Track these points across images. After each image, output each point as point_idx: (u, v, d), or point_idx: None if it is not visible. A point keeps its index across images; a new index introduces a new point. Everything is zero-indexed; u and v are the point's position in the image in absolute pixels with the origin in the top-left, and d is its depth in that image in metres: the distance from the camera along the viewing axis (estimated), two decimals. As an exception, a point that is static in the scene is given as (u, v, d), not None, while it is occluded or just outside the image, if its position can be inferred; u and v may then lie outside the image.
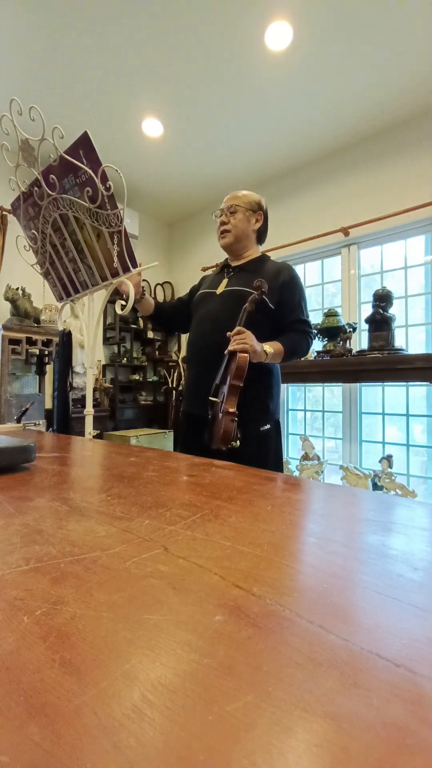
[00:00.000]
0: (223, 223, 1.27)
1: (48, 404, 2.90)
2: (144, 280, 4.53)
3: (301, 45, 2.11)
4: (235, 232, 1.26)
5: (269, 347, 1.12)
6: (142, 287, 1.36)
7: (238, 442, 1.04)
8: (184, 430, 1.29)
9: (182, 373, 3.96)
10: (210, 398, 1.12)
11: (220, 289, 1.25)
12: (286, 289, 1.20)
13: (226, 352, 1.08)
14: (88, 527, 0.35)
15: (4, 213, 2.86)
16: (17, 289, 2.82)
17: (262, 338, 1.12)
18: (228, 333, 1.08)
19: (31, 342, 2.73)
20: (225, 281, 1.26)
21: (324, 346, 2.74)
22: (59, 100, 2.53)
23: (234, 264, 1.30)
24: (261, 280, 1.11)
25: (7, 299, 2.78)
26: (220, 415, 1.05)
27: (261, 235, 1.32)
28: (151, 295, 4.09)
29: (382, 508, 0.44)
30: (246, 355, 1.04)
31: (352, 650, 0.19)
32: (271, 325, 1.19)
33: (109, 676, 0.17)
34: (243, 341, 1.05)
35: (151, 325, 4.14)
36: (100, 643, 0.19)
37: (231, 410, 1.04)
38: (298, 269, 3.36)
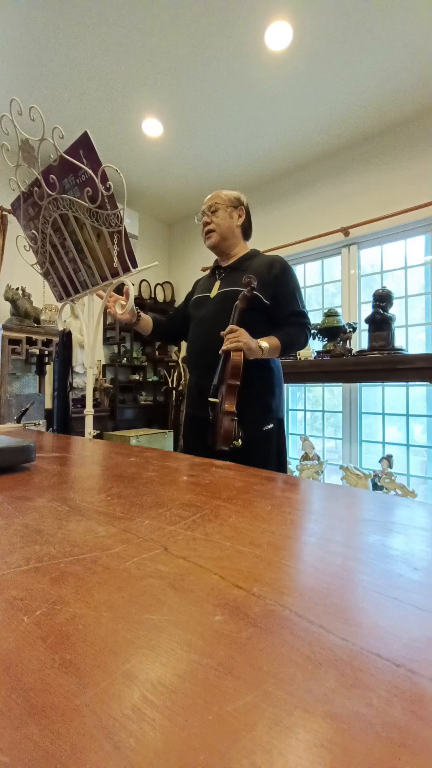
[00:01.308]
0: (206, 224, 1.26)
1: (48, 404, 2.90)
2: (144, 280, 4.48)
3: (301, 45, 2.11)
4: (219, 230, 1.24)
5: (264, 342, 1.10)
6: (136, 310, 1.35)
7: (240, 441, 1.04)
8: (188, 432, 1.29)
9: (182, 373, 3.96)
10: (209, 399, 1.12)
11: (213, 293, 1.24)
12: (280, 282, 1.18)
13: (220, 352, 1.08)
14: (88, 527, 0.35)
15: (4, 213, 2.86)
16: (17, 289, 2.82)
17: (259, 334, 1.11)
18: (221, 332, 1.08)
19: (31, 342, 2.72)
20: (218, 283, 1.25)
21: (324, 346, 2.74)
22: (59, 100, 2.53)
23: (224, 265, 1.28)
24: (250, 276, 1.09)
25: (7, 299, 2.78)
26: (220, 415, 1.05)
27: (246, 231, 1.31)
28: (150, 296, 4.10)
29: (382, 508, 0.44)
30: (240, 353, 1.04)
31: (352, 650, 0.19)
32: (268, 320, 1.19)
33: (109, 676, 0.17)
34: (236, 339, 1.04)
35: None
36: (100, 643, 0.19)
37: (230, 410, 1.04)
38: (298, 269, 3.36)
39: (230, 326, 1.07)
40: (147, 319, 1.40)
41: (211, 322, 1.19)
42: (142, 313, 1.38)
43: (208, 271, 1.38)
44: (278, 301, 1.18)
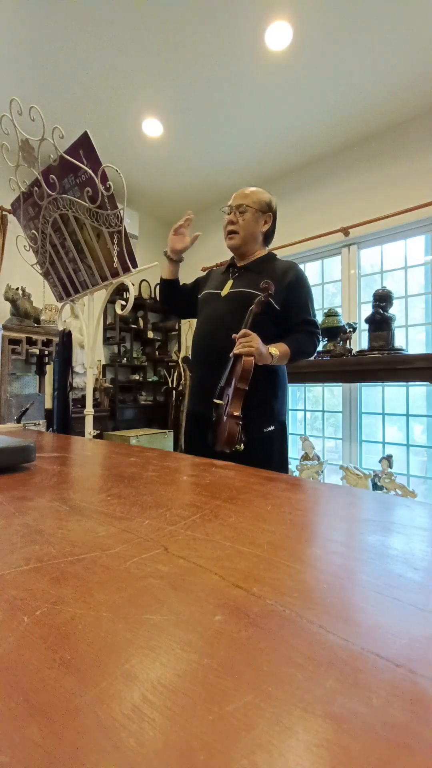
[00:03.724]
0: (231, 223, 1.23)
1: (48, 404, 2.90)
2: (144, 280, 4.47)
3: (301, 45, 2.11)
4: (242, 234, 1.22)
5: (275, 349, 1.10)
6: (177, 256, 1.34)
7: (242, 445, 1.04)
8: (189, 429, 1.29)
9: (182, 373, 3.96)
10: (214, 401, 1.11)
11: (225, 291, 1.22)
12: (292, 290, 1.18)
13: (231, 354, 1.07)
14: (88, 527, 0.35)
15: (4, 213, 2.86)
16: (17, 289, 2.82)
17: (268, 339, 1.10)
18: (233, 335, 1.07)
19: (31, 342, 2.72)
20: (230, 282, 1.23)
21: (324, 346, 2.74)
22: (59, 100, 2.53)
23: (240, 264, 1.27)
24: (268, 281, 1.09)
25: (7, 299, 2.78)
26: (225, 417, 1.05)
27: (268, 237, 1.30)
28: (150, 296, 4.10)
29: (382, 508, 0.44)
30: (251, 358, 1.03)
31: (352, 650, 0.19)
32: (278, 326, 1.18)
33: (109, 676, 0.17)
34: (248, 344, 1.03)
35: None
36: (100, 643, 0.19)
37: (236, 413, 1.03)
38: (298, 269, 3.35)
39: (243, 330, 1.06)
40: (177, 270, 1.36)
41: (221, 320, 1.18)
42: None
43: (222, 266, 1.35)
44: (289, 309, 1.17)
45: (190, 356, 1.34)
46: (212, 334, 1.20)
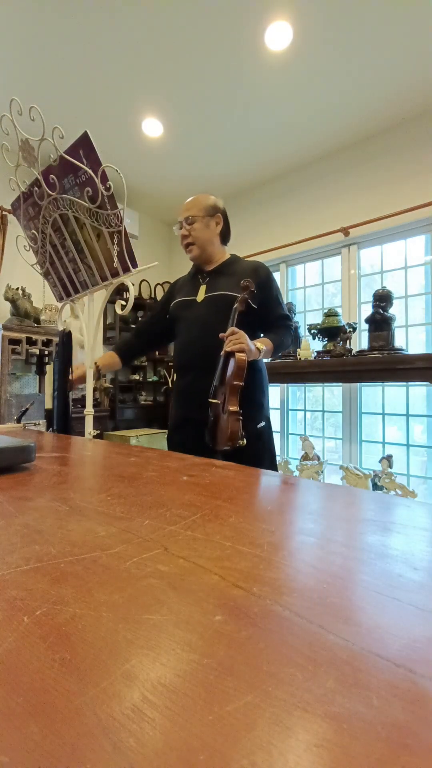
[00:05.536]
0: (184, 236, 1.27)
1: (48, 404, 2.90)
2: (144, 280, 4.47)
3: (301, 45, 2.11)
4: (198, 243, 1.25)
5: (261, 345, 1.15)
6: (101, 372, 1.46)
7: (244, 440, 1.05)
8: (183, 434, 1.28)
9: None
10: (210, 400, 1.12)
11: (200, 297, 1.25)
12: (266, 288, 1.23)
13: (222, 353, 1.09)
14: (88, 527, 0.35)
15: (4, 213, 2.86)
16: (17, 289, 2.82)
17: (249, 337, 1.14)
18: (221, 334, 1.10)
19: (31, 342, 2.72)
20: (203, 287, 1.26)
21: (324, 346, 2.74)
22: (59, 100, 2.53)
23: (208, 269, 1.30)
24: (248, 279, 1.13)
25: (7, 299, 2.78)
26: (224, 415, 1.05)
27: (224, 237, 1.33)
28: (150, 296, 4.10)
29: (382, 508, 0.44)
30: (244, 354, 1.05)
31: (352, 650, 0.19)
32: (256, 323, 1.23)
33: (109, 676, 0.17)
34: (238, 341, 1.06)
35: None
36: (100, 643, 0.19)
37: (234, 410, 1.04)
38: (298, 269, 3.36)
39: (231, 328, 1.09)
40: (109, 361, 1.47)
41: (205, 325, 1.20)
42: (98, 363, 1.46)
43: (186, 276, 1.38)
44: (266, 306, 1.22)
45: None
46: (198, 338, 1.22)
